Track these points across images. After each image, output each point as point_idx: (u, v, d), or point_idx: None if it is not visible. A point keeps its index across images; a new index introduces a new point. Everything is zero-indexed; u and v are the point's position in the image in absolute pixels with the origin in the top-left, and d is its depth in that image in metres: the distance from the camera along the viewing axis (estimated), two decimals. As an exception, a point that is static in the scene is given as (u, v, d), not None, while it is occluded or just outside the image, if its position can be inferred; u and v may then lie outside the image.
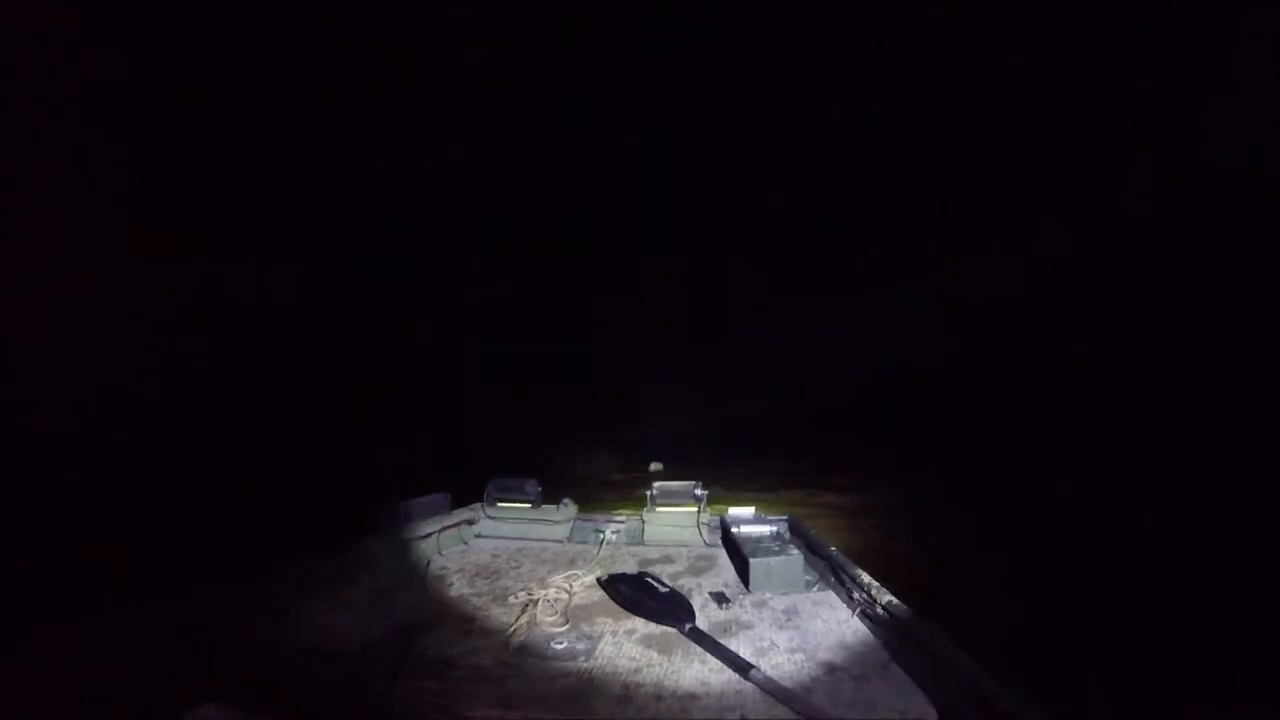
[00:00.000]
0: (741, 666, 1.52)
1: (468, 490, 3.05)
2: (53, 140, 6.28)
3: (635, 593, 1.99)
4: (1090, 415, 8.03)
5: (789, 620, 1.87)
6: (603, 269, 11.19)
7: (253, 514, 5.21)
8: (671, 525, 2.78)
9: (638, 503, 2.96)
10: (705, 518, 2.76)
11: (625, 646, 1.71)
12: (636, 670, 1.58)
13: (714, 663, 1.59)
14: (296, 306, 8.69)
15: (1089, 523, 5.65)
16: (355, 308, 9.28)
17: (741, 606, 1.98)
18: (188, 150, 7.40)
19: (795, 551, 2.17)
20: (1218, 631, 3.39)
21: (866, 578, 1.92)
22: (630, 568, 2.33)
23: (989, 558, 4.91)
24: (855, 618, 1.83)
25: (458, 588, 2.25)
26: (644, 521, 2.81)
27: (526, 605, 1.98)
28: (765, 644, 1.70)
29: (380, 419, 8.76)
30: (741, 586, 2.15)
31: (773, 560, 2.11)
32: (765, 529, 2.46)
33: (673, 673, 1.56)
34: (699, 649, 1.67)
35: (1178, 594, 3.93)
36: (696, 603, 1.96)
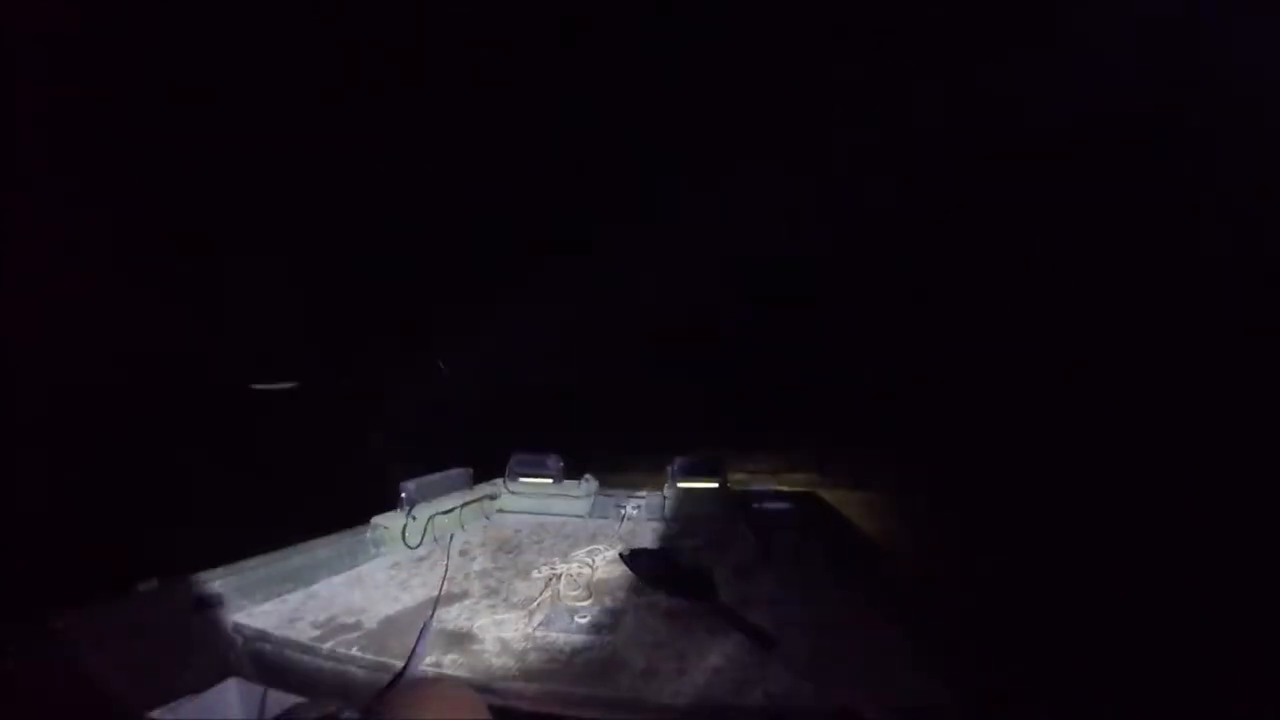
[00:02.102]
0: (764, 641, 1.55)
1: (489, 465, 3.08)
2: (53, 140, 6.28)
3: (657, 567, 2.01)
4: (1090, 415, 8.02)
5: (810, 596, 1.89)
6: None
7: (270, 490, 5.22)
8: (693, 500, 2.79)
9: (658, 478, 2.97)
10: (726, 494, 2.78)
11: (648, 621, 1.73)
12: (659, 644, 1.59)
13: (736, 637, 1.61)
14: (297, 306, 8.71)
15: (1089, 523, 5.65)
16: (356, 307, 9.30)
17: (763, 582, 2.00)
18: (188, 150, 7.40)
19: (816, 527, 2.19)
20: (1218, 631, 3.39)
21: (886, 554, 1.94)
22: (652, 543, 2.36)
23: (989, 558, 4.91)
24: (876, 594, 1.85)
25: (481, 562, 2.27)
26: (665, 497, 2.82)
27: (550, 579, 2.01)
28: (787, 619, 1.72)
29: (390, 412, 8.79)
30: (763, 561, 2.17)
31: (794, 536, 2.13)
32: (787, 505, 2.46)
33: (696, 646, 1.57)
34: (721, 624, 1.69)
35: (1178, 594, 3.92)
36: (718, 577, 1.98)
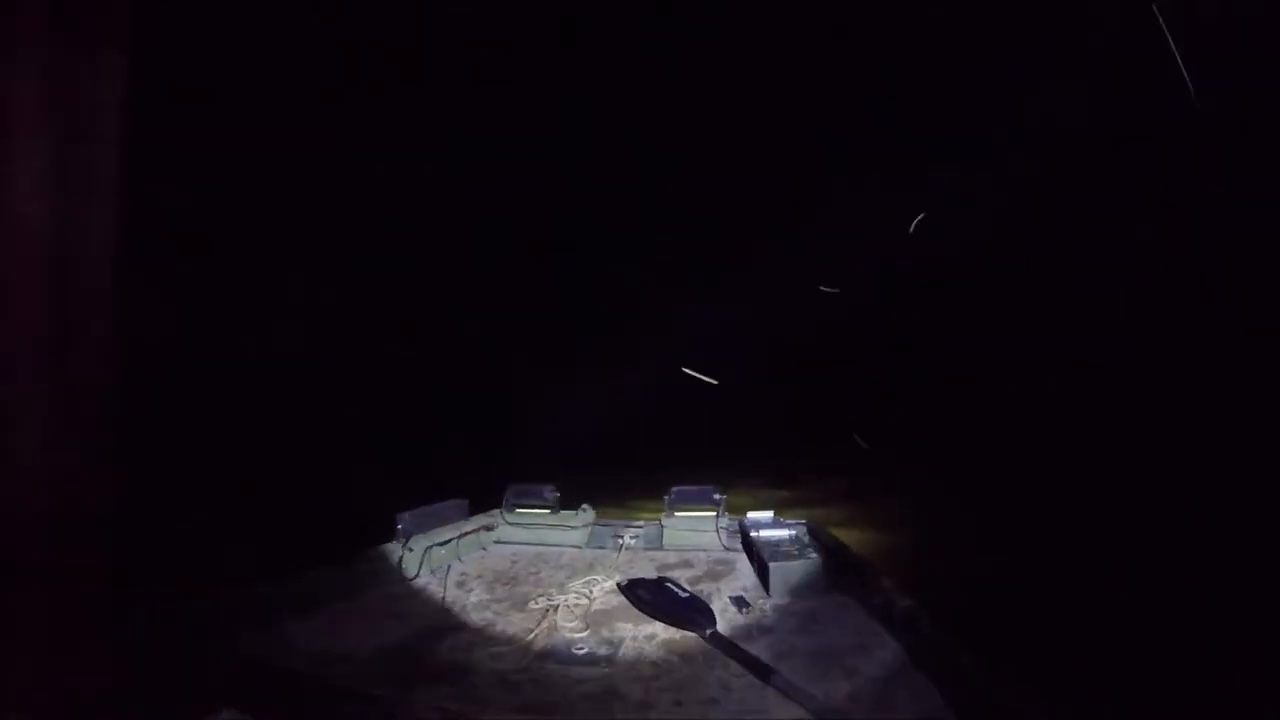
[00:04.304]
0: (762, 671, 1.53)
1: (486, 496, 3.08)
2: (53, 140, 6.28)
3: (655, 597, 2.00)
4: (1090, 415, 8.03)
5: (809, 624, 1.87)
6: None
7: (263, 520, 5.20)
8: (690, 530, 2.78)
9: (655, 508, 2.98)
10: (724, 522, 2.76)
11: (646, 651, 1.72)
12: (657, 675, 1.58)
13: (735, 667, 1.59)
14: (298, 306, 8.71)
15: (1089, 523, 5.65)
16: (356, 308, 9.30)
17: (762, 611, 1.99)
18: (188, 150, 7.40)
19: (815, 555, 2.17)
20: (1218, 631, 3.39)
21: (886, 581, 1.93)
22: (649, 572, 2.34)
23: (989, 557, 4.91)
24: (875, 622, 1.83)
25: (477, 593, 2.26)
26: (662, 526, 2.82)
27: (546, 611, 1.99)
28: (786, 648, 1.70)
29: (387, 424, 8.79)
30: (761, 591, 2.15)
31: (792, 564, 2.11)
32: (784, 533, 2.46)
33: (693, 678, 1.56)
34: (720, 654, 1.67)
35: (1178, 594, 3.92)
36: (716, 607, 1.97)
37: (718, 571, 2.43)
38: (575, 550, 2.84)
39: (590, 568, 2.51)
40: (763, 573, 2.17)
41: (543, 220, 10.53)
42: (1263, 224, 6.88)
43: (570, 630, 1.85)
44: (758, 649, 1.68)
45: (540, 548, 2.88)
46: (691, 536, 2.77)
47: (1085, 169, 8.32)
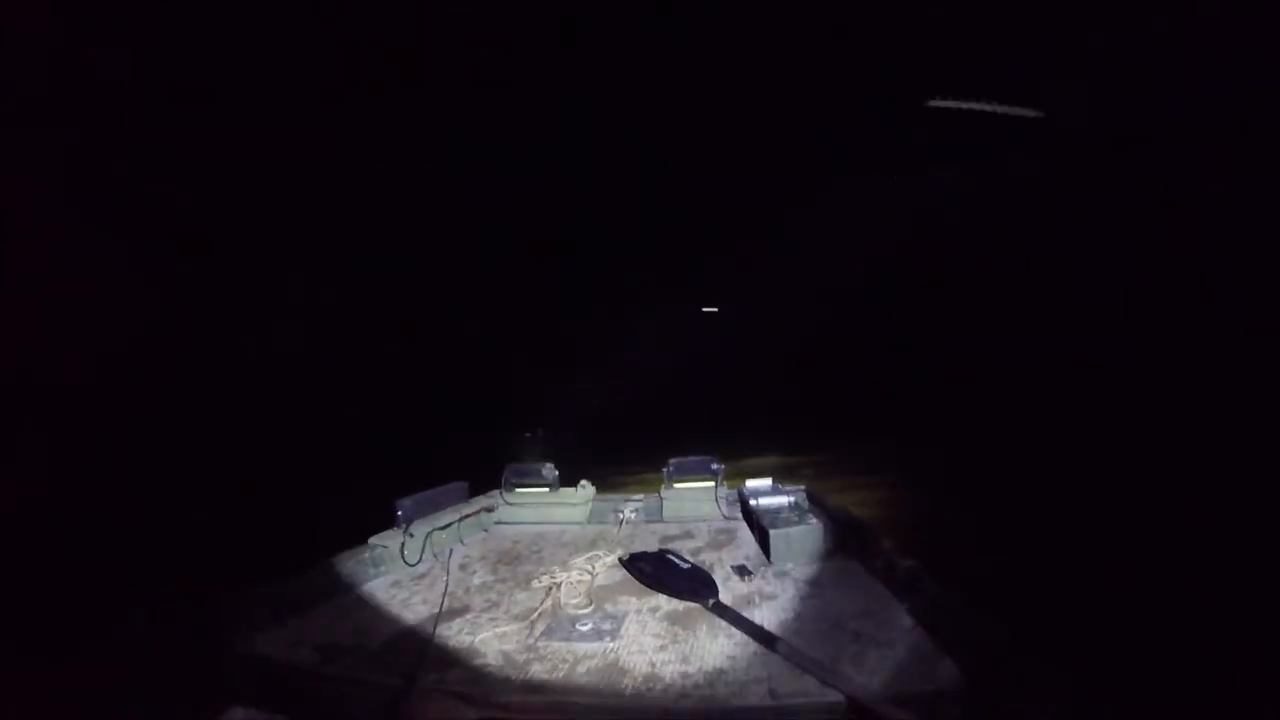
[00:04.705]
0: (766, 639, 1.54)
1: (485, 478, 3.08)
2: (53, 140, 6.28)
3: (657, 570, 2.02)
4: (1090, 415, 8.02)
5: (812, 590, 1.87)
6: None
7: (266, 513, 5.21)
8: (690, 500, 2.80)
9: (655, 481, 2.98)
10: (723, 491, 2.79)
11: (650, 624, 1.73)
12: (662, 647, 1.59)
13: (739, 636, 1.60)
14: (298, 306, 8.71)
15: (1089, 522, 5.65)
16: (356, 308, 9.29)
17: (764, 578, 2.00)
18: (188, 150, 7.39)
19: (814, 521, 2.17)
20: (1218, 631, 3.39)
21: (886, 544, 1.94)
22: (651, 545, 2.35)
23: (987, 557, 4.91)
24: (878, 585, 1.84)
25: (480, 575, 2.27)
26: (662, 498, 2.83)
27: (550, 589, 2.01)
28: (789, 615, 1.71)
29: (387, 424, 8.80)
30: (763, 558, 2.16)
31: (792, 531, 2.11)
32: (783, 500, 2.45)
33: (698, 648, 1.57)
34: (723, 623, 1.68)
35: (1178, 594, 3.92)
36: (719, 577, 1.98)
37: (719, 541, 2.44)
38: (576, 527, 2.84)
39: (592, 544, 2.50)
40: (764, 540, 2.16)
41: (543, 220, 10.51)
42: (1263, 224, 6.88)
43: (574, 607, 1.87)
44: (761, 617, 1.68)
45: (541, 526, 2.88)
46: (691, 507, 2.78)
47: (1085, 169, 8.30)
